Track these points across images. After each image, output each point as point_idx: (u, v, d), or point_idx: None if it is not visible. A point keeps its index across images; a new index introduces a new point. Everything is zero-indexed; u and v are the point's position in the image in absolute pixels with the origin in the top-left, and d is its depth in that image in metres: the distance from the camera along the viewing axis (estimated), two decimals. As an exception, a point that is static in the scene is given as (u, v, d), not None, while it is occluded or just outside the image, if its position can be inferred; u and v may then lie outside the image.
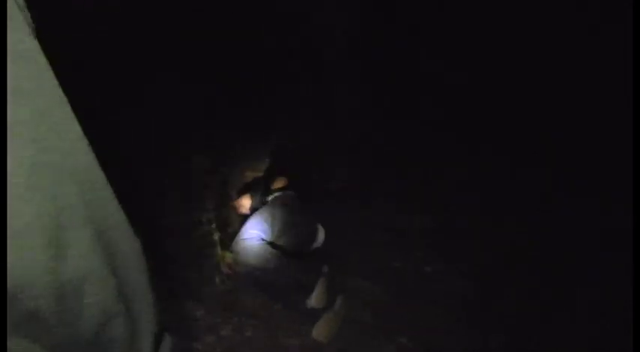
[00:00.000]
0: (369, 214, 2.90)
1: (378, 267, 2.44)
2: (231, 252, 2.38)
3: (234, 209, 2.78)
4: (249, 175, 3.23)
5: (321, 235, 2.56)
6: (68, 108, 0.83)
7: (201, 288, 2.35)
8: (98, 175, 0.88)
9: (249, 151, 3.42)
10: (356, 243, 2.64)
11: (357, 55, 3.43)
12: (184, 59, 3.75)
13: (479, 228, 2.67)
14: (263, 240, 2.33)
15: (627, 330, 1.54)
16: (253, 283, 2.30)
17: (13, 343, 0.75)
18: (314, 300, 2.13)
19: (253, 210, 2.57)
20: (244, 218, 2.57)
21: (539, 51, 3.47)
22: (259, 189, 2.66)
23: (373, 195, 3.07)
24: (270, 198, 2.57)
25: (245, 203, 2.69)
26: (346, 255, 2.53)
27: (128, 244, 0.91)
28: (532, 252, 2.47)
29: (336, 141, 3.47)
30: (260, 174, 3.19)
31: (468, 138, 3.37)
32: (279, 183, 2.65)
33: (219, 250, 2.47)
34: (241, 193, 2.77)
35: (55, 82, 0.81)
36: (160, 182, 3.08)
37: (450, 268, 2.42)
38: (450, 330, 2.05)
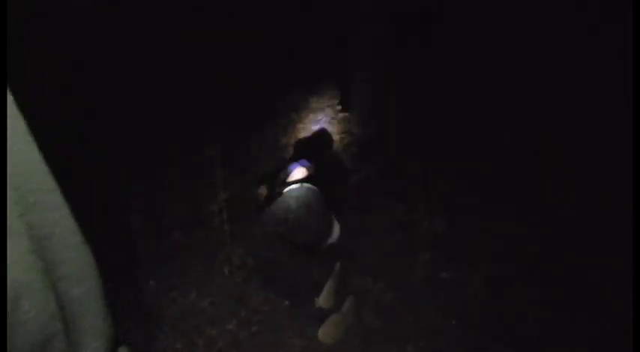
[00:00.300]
0: (378, 212, 2.89)
1: (385, 268, 2.44)
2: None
3: (255, 198, 2.75)
4: (271, 164, 3.19)
5: (336, 230, 2.49)
6: (12, 107, 0.74)
7: (209, 280, 2.35)
8: (44, 179, 0.78)
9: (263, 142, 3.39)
10: (362, 242, 2.63)
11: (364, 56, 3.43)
12: (184, 59, 3.75)
13: (479, 228, 2.67)
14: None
15: (627, 330, 1.54)
16: (263, 278, 2.29)
17: None
18: (322, 300, 2.10)
19: (270, 200, 2.53)
20: (259, 208, 2.56)
21: (539, 51, 3.46)
22: (277, 179, 2.60)
23: (381, 194, 3.06)
24: (286, 189, 2.52)
25: (262, 192, 2.65)
26: (354, 253, 2.53)
27: (75, 254, 0.81)
28: (532, 252, 2.47)
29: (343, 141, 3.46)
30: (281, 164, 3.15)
31: (467, 138, 3.36)
32: (298, 174, 2.60)
33: (230, 241, 2.47)
34: (260, 182, 2.73)
35: None
36: (163, 174, 3.08)
37: (452, 268, 2.42)
38: (453, 332, 2.05)
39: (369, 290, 2.30)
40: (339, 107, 3.88)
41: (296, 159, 2.68)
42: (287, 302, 2.20)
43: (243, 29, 3.89)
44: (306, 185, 2.53)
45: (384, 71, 3.41)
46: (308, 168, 2.56)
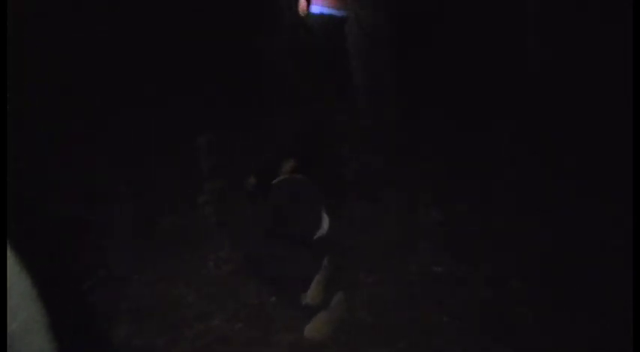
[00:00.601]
0: (379, 206, 2.87)
1: (379, 262, 2.42)
2: None
3: (245, 189, 2.75)
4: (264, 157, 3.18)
5: (325, 223, 2.46)
6: None
7: (197, 273, 2.34)
8: None
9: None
10: (356, 234, 2.61)
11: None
12: (184, 59, 3.75)
13: (479, 227, 2.67)
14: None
15: (627, 330, 1.54)
16: (251, 271, 2.28)
17: None
18: (310, 296, 2.08)
19: (259, 191, 2.54)
20: (248, 199, 2.58)
21: (538, 50, 3.47)
22: (266, 170, 2.61)
23: (377, 186, 3.04)
24: (275, 181, 2.51)
25: (251, 183, 2.66)
26: (350, 247, 2.51)
27: (9, 283, 0.72)
28: (532, 251, 2.47)
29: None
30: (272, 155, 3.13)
31: (467, 137, 3.36)
32: (288, 166, 2.59)
33: (218, 233, 2.46)
34: (250, 173, 2.72)
35: None
36: (158, 169, 3.07)
37: (451, 267, 2.41)
38: (451, 330, 2.05)
39: (361, 285, 2.28)
40: (338, 98, 3.84)
41: (289, 150, 2.68)
42: (275, 297, 2.19)
43: (242, 29, 3.89)
44: (295, 176, 2.52)
45: (384, 62, 3.39)
46: (296, 160, 2.56)
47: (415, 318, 2.11)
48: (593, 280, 2.24)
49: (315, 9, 3.69)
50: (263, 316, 2.10)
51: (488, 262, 2.41)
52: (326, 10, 3.69)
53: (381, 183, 3.06)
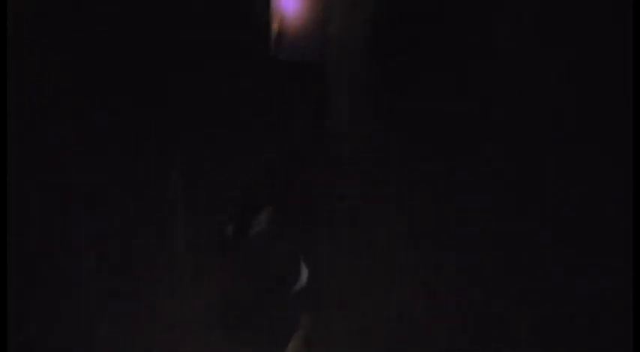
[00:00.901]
0: (358, 238, 2.70)
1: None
2: None
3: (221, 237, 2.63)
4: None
5: (303, 275, 2.37)
6: None
7: (171, 325, 2.22)
8: None
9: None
10: (342, 277, 2.47)
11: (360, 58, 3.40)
12: (183, 59, 3.75)
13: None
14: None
15: (627, 330, 1.54)
16: (229, 323, 2.22)
17: None
18: None
19: (231, 240, 2.46)
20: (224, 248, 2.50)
21: (538, 50, 3.46)
22: (243, 219, 2.52)
23: (366, 213, 2.96)
24: (253, 232, 2.43)
25: (229, 231, 2.53)
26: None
27: None
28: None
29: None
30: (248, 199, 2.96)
31: (467, 137, 3.36)
32: (263, 216, 2.50)
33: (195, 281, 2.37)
34: (227, 220, 2.57)
35: None
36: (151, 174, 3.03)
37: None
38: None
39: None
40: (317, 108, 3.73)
41: (266, 190, 2.59)
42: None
43: (241, 29, 3.89)
44: (271, 226, 2.45)
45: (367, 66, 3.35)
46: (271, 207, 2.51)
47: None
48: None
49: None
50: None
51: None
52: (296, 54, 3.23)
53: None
